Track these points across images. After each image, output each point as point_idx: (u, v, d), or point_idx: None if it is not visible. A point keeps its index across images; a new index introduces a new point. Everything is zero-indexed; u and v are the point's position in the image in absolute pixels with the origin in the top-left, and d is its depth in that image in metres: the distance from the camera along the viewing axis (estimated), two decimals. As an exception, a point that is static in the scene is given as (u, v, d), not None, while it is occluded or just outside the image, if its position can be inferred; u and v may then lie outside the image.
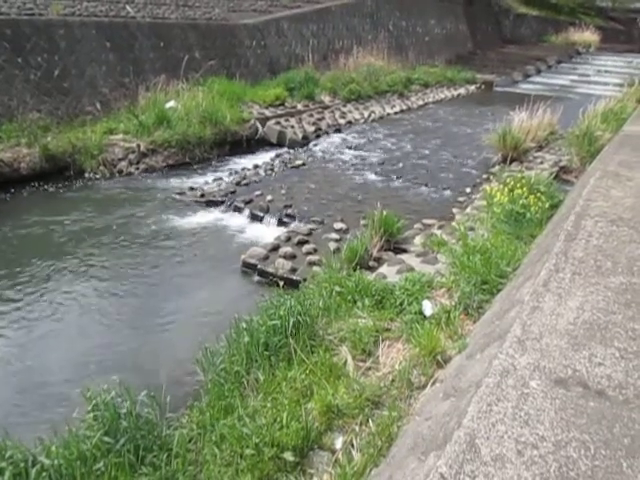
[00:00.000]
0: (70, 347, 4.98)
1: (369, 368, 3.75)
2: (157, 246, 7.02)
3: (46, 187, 8.87)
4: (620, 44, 42.97)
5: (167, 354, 4.82)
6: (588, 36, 35.75)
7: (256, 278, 6.18)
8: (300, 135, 12.20)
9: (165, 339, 5.13)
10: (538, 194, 6.29)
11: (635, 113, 10.63)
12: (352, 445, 3.06)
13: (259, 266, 6.20)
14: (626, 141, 7.27)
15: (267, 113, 12.96)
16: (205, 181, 9.38)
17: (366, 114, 15.14)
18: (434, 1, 29.72)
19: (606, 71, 28.03)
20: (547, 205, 6.11)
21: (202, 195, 8.57)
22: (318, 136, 12.66)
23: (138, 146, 10.07)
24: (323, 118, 13.84)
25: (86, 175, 9.42)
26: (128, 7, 13.48)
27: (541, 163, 9.93)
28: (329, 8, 20.96)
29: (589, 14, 47.18)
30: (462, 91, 22.02)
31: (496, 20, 35.00)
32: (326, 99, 15.43)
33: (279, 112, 13.27)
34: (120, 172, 9.72)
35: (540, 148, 11.01)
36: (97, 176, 9.45)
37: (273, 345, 3.78)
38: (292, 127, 12.50)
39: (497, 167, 10.04)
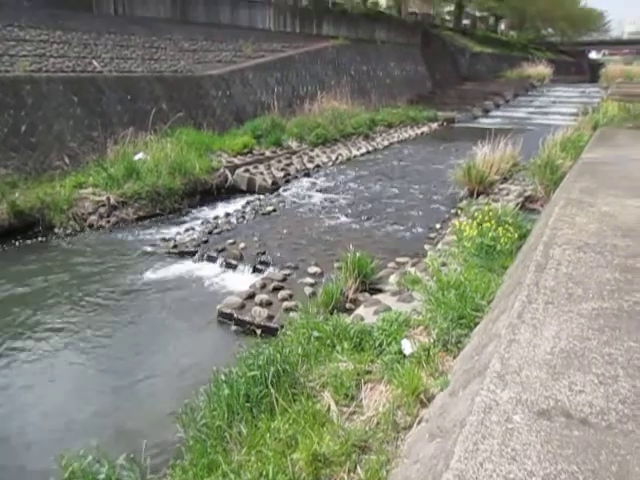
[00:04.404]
0: (43, 410, 4.80)
1: (353, 412, 3.69)
2: (130, 301, 6.90)
3: (15, 243, 8.72)
4: (572, 75, 45.07)
5: (146, 412, 4.68)
6: (541, 69, 37.36)
7: (233, 328, 6.10)
8: (269, 181, 12.32)
9: (143, 397, 4.99)
10: (506, 226, 6.41)
11: (591, 141, 11.03)
12: (341, 494, 2.98)
13: (235, 315, 6.13)
14: (586, 168, 7.53)
15: (236, 161, 13.09)
16: (177, 232, 9.34)
17: (333, 157, 15.42)
18: (392, 45, 30.83)
19: (561, 101, 29.22)
20: (516, 236, 6.23)
21: (174, 246, 8.51)
22: (287, 181, 12.80)
23: (108, 199, 10.02)
24: (291, 163, 14.04)
25: (56, 230, 9.30)
26: (95, 62, 13.63)
27: (507, 194, 10.18)
28: (292, 56, 21.56)
29: (540, 49, 49.53)
30: (425, 129, 22.64)
31: (453, 59, 36.37)
32: (293, 144, 15.68)
33: (248, 159, 13.41)
34: (91, 226, 9.63)
35: (505, 180, 11.32)
36: (67, 231, 9.34)
37: (254, 396, 3.71)
38: (261, 174, 12.63)
39: (464, 201, 10.26)
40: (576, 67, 53.54)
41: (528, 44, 49.06)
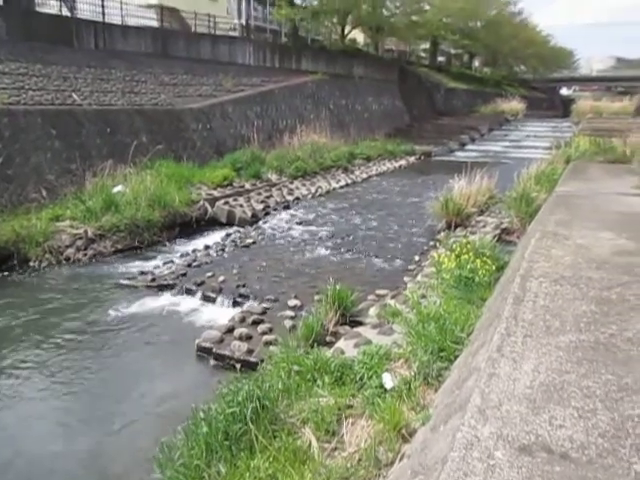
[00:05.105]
0: (15, 453, 4.62)
1: (334, 448, 3.64)
2: (106, 336, 6.75)
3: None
4: (544, 110, 46.50)
5: (122, 454, 4.54)
6: (515, 105, 38.48)
7: (212, 362, 5.99)
8: (249, 214, 12.33)
9: (118, 438, 4.83)
10: (484, 258, 6.50)
11: (565, 174, 11.32)
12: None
13: (214, 350, 6.04)
14: (560, 201, 7.71)
15: (216, 194, 13.10)
16: (155, 265, 9.24)
17: (313, 190, 15.53)
18: (370, 81, 31.51)
19: (535, 136, 30.02)
20: (494, 268, 6.30)
21: (153, 279, 8.41)
22: (267, 214, 12.83)
23: (85, 232, 9.90)
24: (271, 196, 14.10)
25: (31, 264, 9.12)
26: (74, 95, 13.64)
27: (484, 227, 10.33)
28: (272, 90, 21.87)
29: (513, 85, 51.15)
30: (403, 162, 23.00)
31: (429, 94, 37.30)
32: (273, 177, 15.78)
33: (227, 192, 13.44)
34: (67, 259, 9.48)
35: (481, 212, 11.50)
36: (43, 264, 9.17)
37: (233, 434, 3.63)
38: (241, 206, 12.65)
39: (443, 233, 10.38)
40: (548, 103, 55.30)
41: (501, 80, 50.67)
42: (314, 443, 3.64)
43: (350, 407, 4.01)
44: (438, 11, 38.51)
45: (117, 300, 7.82)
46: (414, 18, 35.06)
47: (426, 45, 47.34)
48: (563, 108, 52.06)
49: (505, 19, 46.57)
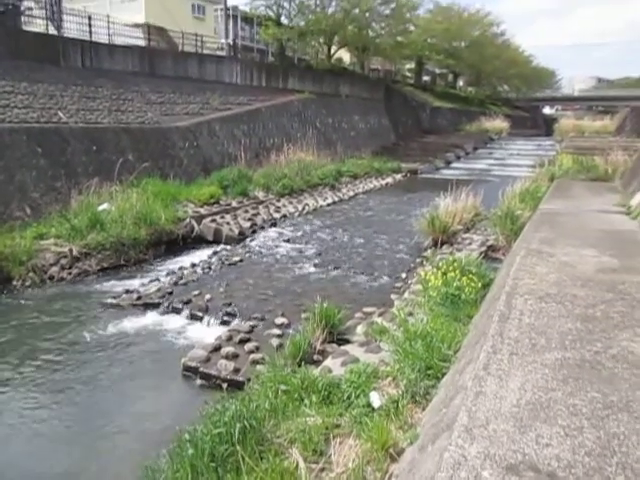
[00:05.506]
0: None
1: (322, 469, 3.60)
2: (90, 356, 6.66)
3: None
4: (528, 129, 47.22)
5: (105, 478, 4.45)
6: (499, 124, 39.00)
7: (198, 382, 5.93)
8: (236, 231, 12.31)
9: (100, 461, 4.72)
10: (470, 275, 6.54)
11: (549, 192, 11.48)
12: None
13: (201, 369, 5.98)
14: (544, 219, 7.80)
15: (202, 211, 13.08)
16: (141, 283, 9.16)
17: (300, 207, 15.57)
18: (356, 99, 31.83)
19: (519, 154, 30.40)
20: (480, 285, 6.34)
21: (138, 298, 8.33)
22: (254, 231, 12.82)
23: (70, 250, 9.81)
24: (258, 213, 14.10)
25: (14, 283, 8.99)
26: (60, 113, 13.61)
27: (470, 244, 10.41)
28: (259, 109, 22.01)
29: (497, 104, 51.93)
30: (389, 180, 23.16)
31: (415, 113, 37.73)
32: (260, 195, 15.80)
33: (214, 210, 13.42)
34: (51, 278, 9.37)
35: (467, 229, 11.60)
36: (26, 283, 9.04)
37: (219, 455, 3.58)
38: (228, 224, 12.62)
39: (429, 251, 10.44)
40: (531, 121, 56.18)
41: (485, 99, 51.44)
42: (301, 464, 3.60)
43: (338, 426, 3.98)
44: (423, 32, 39.24)
45: (101, 319, 7.73)
46: (399, 39, 35.62)
47: (411, 65, 48.05)
48: (546, 127, 52.88)
49: (488, 40, 47.47)
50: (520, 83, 58.24)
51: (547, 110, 74.48)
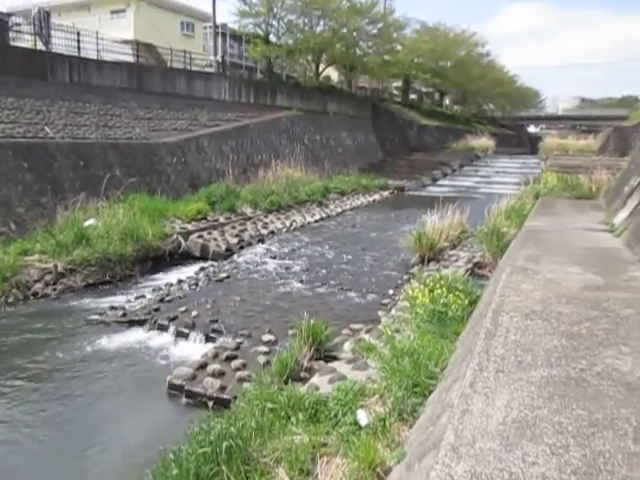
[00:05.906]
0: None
1: (308, 489, 3.57)
2: (72, 374, 6.54)
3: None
4: (513, 147, 47.87)
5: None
6: (484, 142, 39.51)
7: (184, 400, 5.86)
8: (223, 247, 12.27)
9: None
10: (457, 292, 6.57)
11: (534, 209, 11.60)
12: None
13: (186, 387, 5.91)
14: (529, 236, 7.87)
15: (190, 227, 13.03)
16: (127, 299, 9.07)
17: (288, 223, 15.58)
18: (344, 117, 32.08)
19: (504, 172, 30.75)
20: (466, 302, 6.37)
21: (124, 314, 8.24)
22: (242, 247, 12.79)
23: (55, 266, 9.70)
24: (246, 229, 14.08)
25: (-3, 299, 8.87)
26: (47, 128, 13.56)
27: (456, 261, 10.47)
28: (247, 126, 22.09)
29: (482, 123, 52.68)
30: (377, 197, 23.28)
31: (402, 131, 38.11)
32: (248, 211, 15.80)
33: (201, 226, 13.38)
34: (35, 294, 9.24)
35: (454, 246, 11.67)
36: (9, 300, 8.91)
37: (204, 475, 3.53)
38: (215, 240, 12.58)
39: (416, 267, 10.47)
40: (517, 140, 56.99)
41: (471, 118, 52.17)
42: (288, 484, 3.57)
43: (325, 445, 3.95)
44: (410, 51, 39.82)
45: (85, 337, 7.62)
46: (386, 57, 36.09)
47: (398, 83, 48.63)
48: (531, 145, 53.66)
49: (474, 60, 48.27)
50: (505, 102, 59.24)
51: (532, 129, 75.65)
